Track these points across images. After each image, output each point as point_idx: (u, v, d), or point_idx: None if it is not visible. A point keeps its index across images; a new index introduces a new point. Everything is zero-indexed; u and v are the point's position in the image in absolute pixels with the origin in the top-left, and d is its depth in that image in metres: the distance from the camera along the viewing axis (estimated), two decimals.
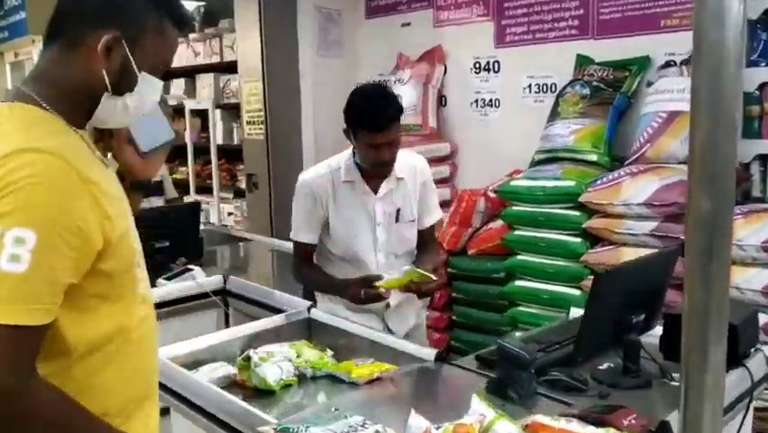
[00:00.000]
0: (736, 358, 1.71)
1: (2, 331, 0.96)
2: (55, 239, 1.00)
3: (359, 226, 2.24)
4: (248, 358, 1.78)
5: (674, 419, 1.46)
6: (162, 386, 1.81)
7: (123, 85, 1.14)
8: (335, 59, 4.66)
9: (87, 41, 1.11)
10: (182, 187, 5.72)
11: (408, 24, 4.42)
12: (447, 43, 4.21)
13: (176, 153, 6.18)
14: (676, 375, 1.71)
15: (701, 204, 0.86)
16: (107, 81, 1.12)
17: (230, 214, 5.62)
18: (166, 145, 1.36)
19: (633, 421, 1.38)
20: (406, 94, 4.13)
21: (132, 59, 1.12)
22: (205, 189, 5.64)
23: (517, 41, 3.87)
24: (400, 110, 2.12)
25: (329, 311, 2.25)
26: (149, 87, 1.17)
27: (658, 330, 1.89)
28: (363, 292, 2.08)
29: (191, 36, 5.80)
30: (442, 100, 4.27)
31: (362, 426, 1.38)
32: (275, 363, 1.79)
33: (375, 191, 2.24)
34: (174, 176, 6.35)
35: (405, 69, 4.25)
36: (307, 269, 2.34)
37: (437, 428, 1.21)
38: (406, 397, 1.69)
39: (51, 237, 0.99)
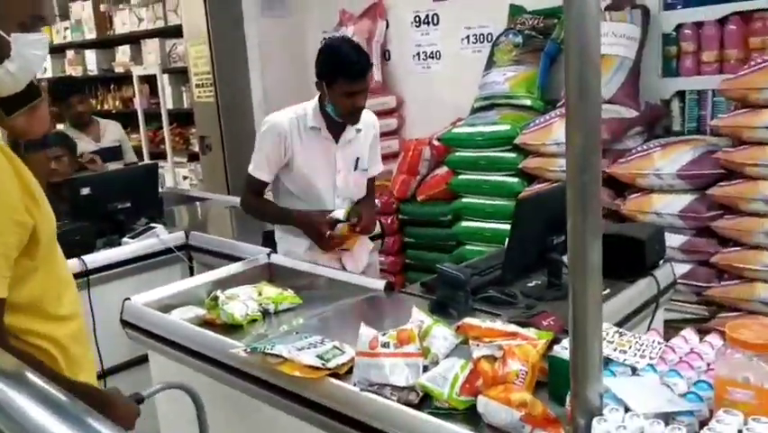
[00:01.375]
0: (643, 268, 1.97)
1: None
2: (4, 220, 1.07)
3: (321, 172, 2.40)
4: (215, 298, 1.96)
5: None
6: (140, 330, 1.99)
7: None
8: (279, 18, 4.75)
9: None
10: (135, 153, 5.77)
11: None
12: None
13: (127, 120, 6.21)
14: None
15: (575, 138, 1.06)
16: None
17: (185, 177, 5.70)
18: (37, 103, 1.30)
19: (551, 323, 1.62)
20: None
21: None
22: (158, 155, 5.70)
23: None
24: (370, 60, 2.31)
25: (288, 254, 2.43)
26: (27, 44, 1.14)
27: None
28: (329, 235, 2.33)
29: (133, 2, 5.78)
30: (385, 54, 4.42)
31: (321, 342, 1.59)
32: (240, 302, 1.97)
33: (336, 140, 2.40)
34: None
35: (348, 26, 4.37)
36: (260, 200, 2.50)
37: (383, 335, 1.42)
38: (359, 319, 1.90)
39: (2, 219, 1.07)
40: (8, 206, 1.08)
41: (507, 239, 1.93)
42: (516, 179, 3.29)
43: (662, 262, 2.12)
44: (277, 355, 1.50)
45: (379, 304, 2.04)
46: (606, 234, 2.10)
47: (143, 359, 2.21)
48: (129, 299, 2.07)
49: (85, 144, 3.94)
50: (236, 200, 3.81)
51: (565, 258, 2.00)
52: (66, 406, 0.64)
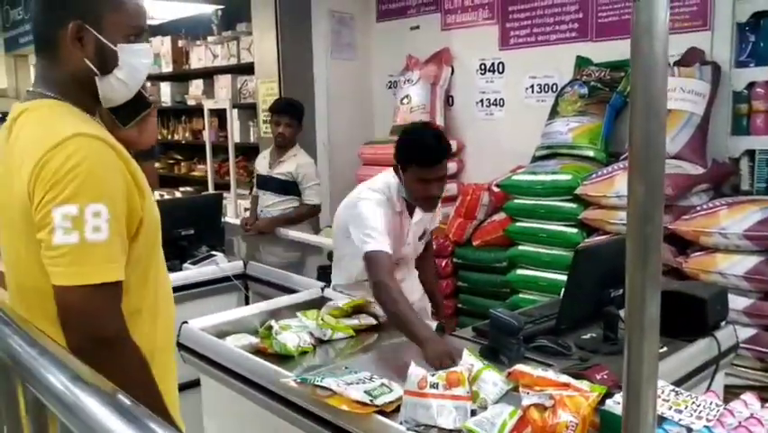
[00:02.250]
0: (704, 329, 1.91)
1: (104, 289, 1.17)
2: (118, 209, 1.19)
3: (396, 242, 2.30)
4: (270, 327, 2.00)
5: None
6: (195, 353, 2.04)
7: (107, 63, 1.28)
8: (348, 60, 4.89)
9: (59, 40, 1.25)
10: (201, 183, 5.96)
11: (417, 27, 4.64)
12: (454, 46, 4.42)
13: (195, 151, 6.44)
14: None
15: (637, 189, 1.06)
16: (92, 66, 1.27)
17: (246, 209, 5.84)
18: (146, 115, 1.49)
19: (605, 376, 1.58)
20: (416, 94, 4.36)
21: (101, 38, 1.26)
22: (223, 186, 5.88)
23: (521, 44, 4.07)
24: (450, 148, 2.27)
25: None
26: (132, 54, 1.30)
27: None
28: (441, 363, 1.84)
29: (209, 39, 6.05)
30: (449, 100, 4.49)
31: (370, 379, 1.60)
32: (294, 333, 2.00)
33: (411, 215, 2.39)
34: (193, 173, 6.61)
35: (414, 71, 4.46)
36: (398, 288, 2.11)
37: (432, 375, 1.42)
38: (408, 359, 1.89)
39: (116, 208, 1.19)
40: (119, 196, 1.19)
41: (563, 289, 1.90)
42: (575, 230, 3.26)
43: (723, 323, 2.05)
44: (326, 388, 1.51)
45: None
46: (666, 291, 2.05)
47: (195, 383, 2.25)
48: (186, 322, 2.12)
49: (260, 163, 4.05)
50: (294, 234, 3.91)
51: (622, 312, 1.97)
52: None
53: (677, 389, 1.40)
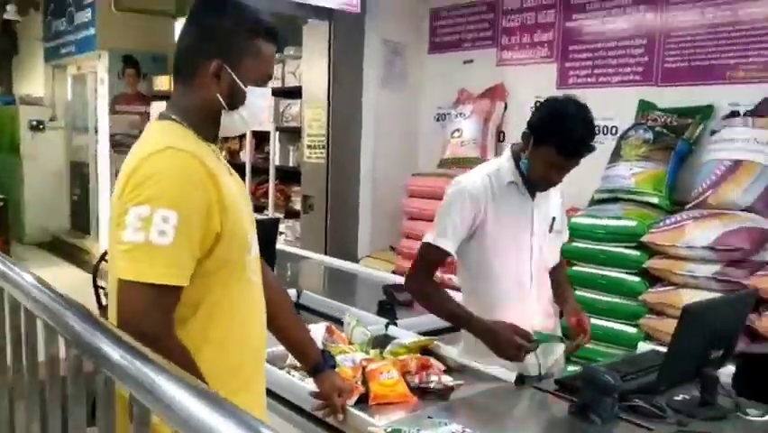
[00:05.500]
0: None
1: (156, 290, 1.23)
2: (190, 218, 1.25)
3: (514, 236, 2.09)
4: None
5: None
6: None
7: (236, 101, 1.40)
8: (398, 91, 4.84)
9: (200, 72, 1.38)
10: None
11: (471, 61, 4.59)
12: (509, 82, 4.36)
13: None
14: (750, 411, 1.80)
15: None
16: (222, 101, 1.38)
17: (281, 233, 5.77)
18: None
19: None
20: (467, 128, 4.30)
21: (236, 79, 1.37)
22: (257, 208, 5.82)
23: (580, 84, 4.00)
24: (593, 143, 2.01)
25: (471, 353, 2.12)
26: (256, 96, 1.42)
27: (728, 368, 1.98)
28: (520, 346, 1.93)
29: None
30: (500, 136, 4.41)
31: None
32: None
33: (532, 196, 2.11)
34: None
35: (466, 104, 4.40)
36: (436, 287, 2.16)
37: None
38: (490, 412, 1.79)
39: (188, 217, 1.25)
40: (194, 206, 1.26)
41: (628, 343, 1.79)
42: (637, 278, 3.14)
43: None
44: None
45: (510, 397, 1.92)
46: (762, 355, 1.95)
47: None
48: None
49: None
50: (338, 263, 3.82)
51: (720, 374, 1.86)
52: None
53: None
